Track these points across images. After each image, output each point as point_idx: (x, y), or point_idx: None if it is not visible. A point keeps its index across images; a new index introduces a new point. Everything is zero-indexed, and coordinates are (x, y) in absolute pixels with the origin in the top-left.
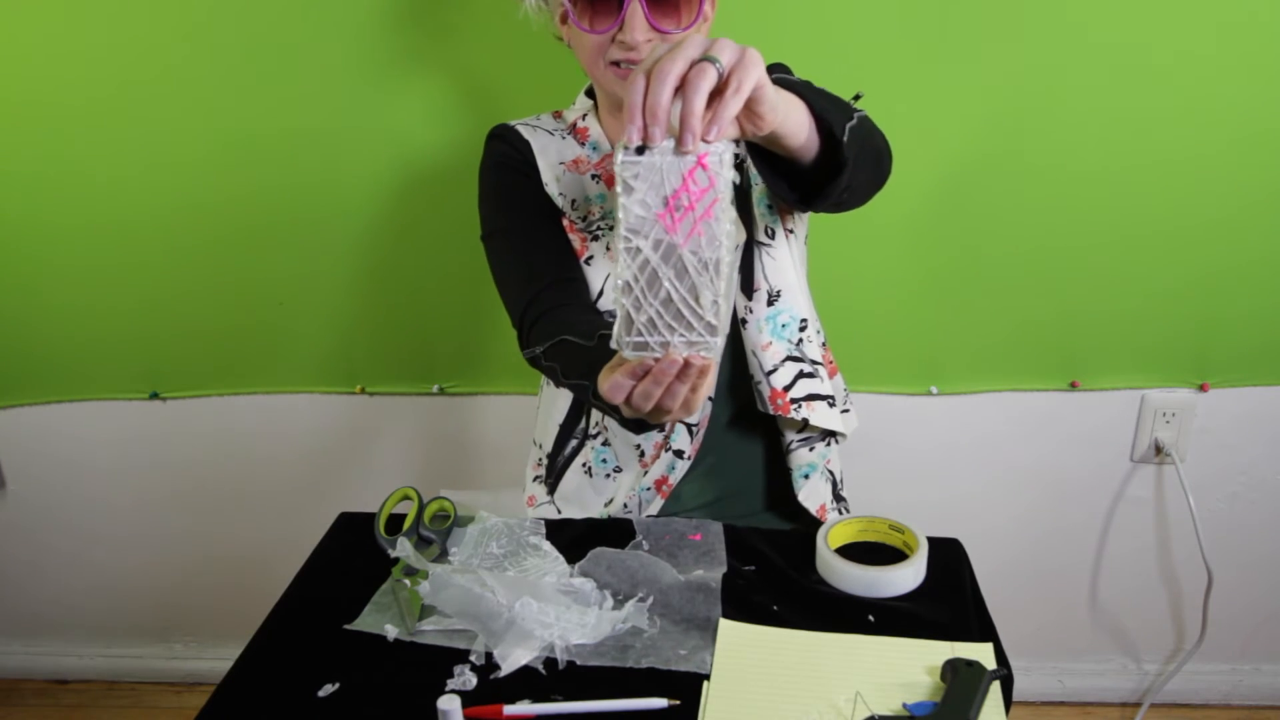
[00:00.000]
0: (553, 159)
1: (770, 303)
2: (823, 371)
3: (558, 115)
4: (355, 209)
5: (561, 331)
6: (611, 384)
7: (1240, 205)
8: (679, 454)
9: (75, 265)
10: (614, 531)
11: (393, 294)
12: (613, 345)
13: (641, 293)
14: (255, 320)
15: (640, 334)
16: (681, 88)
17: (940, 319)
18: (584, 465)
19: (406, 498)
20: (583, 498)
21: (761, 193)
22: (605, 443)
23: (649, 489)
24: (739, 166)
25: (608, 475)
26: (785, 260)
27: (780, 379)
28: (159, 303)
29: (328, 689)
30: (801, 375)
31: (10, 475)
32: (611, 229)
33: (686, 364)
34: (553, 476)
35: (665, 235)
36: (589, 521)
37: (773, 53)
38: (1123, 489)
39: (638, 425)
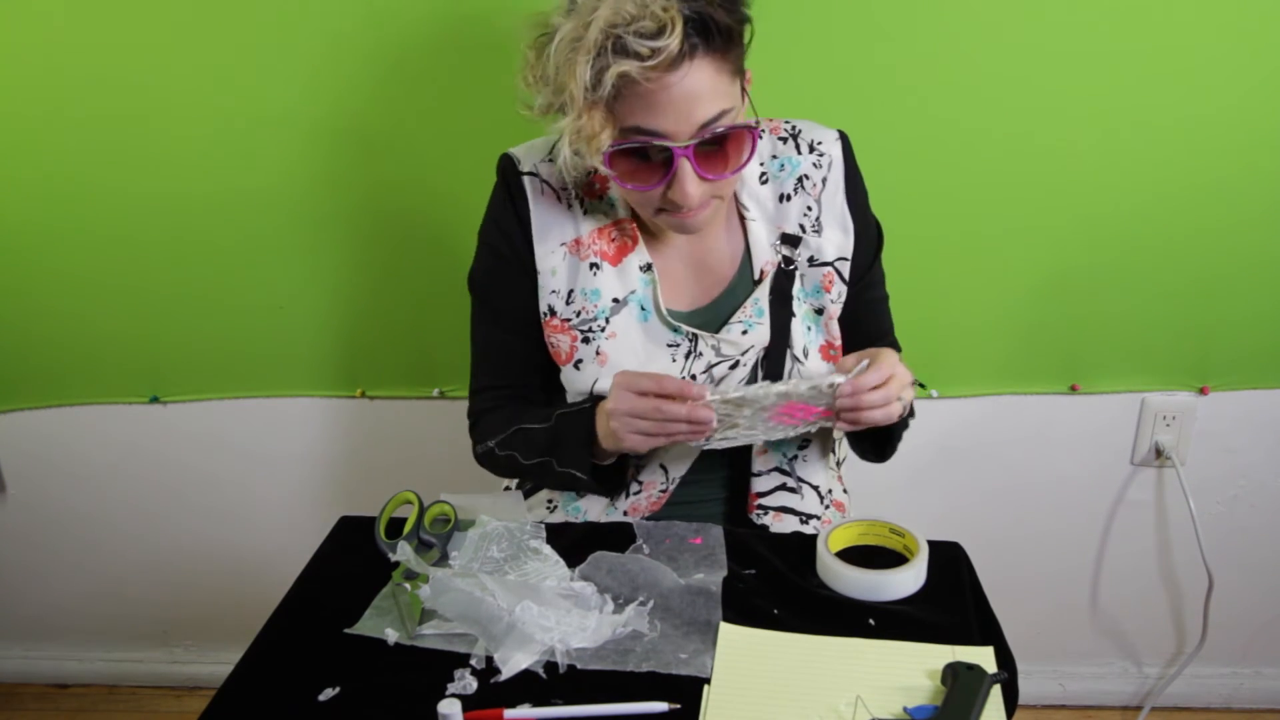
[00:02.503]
0: (553, 241)
1: None
2: (810, 493)
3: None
4: (355, 212)
5: (516, 423)
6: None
7: (1240, 208)
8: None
9: (75, 269)
10: (614, 535)
11: (393, 297)
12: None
13: (728, 413)
14: (255, 324)
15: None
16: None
17: (940, 322)
18: (549, 502)
19: (407, 502)
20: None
21: (806, 312)
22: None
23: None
24: (789, 274)
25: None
26: None
27: (762, 484)
28: (159, 306)
29: (328, 693)
30: (784, 488)
31: (10, 479)
32: (602, 330)
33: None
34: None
35: (770, 410)
36: (589, 525)
37: (776, 54)
38: (1123, 492)
39: (609, 487)
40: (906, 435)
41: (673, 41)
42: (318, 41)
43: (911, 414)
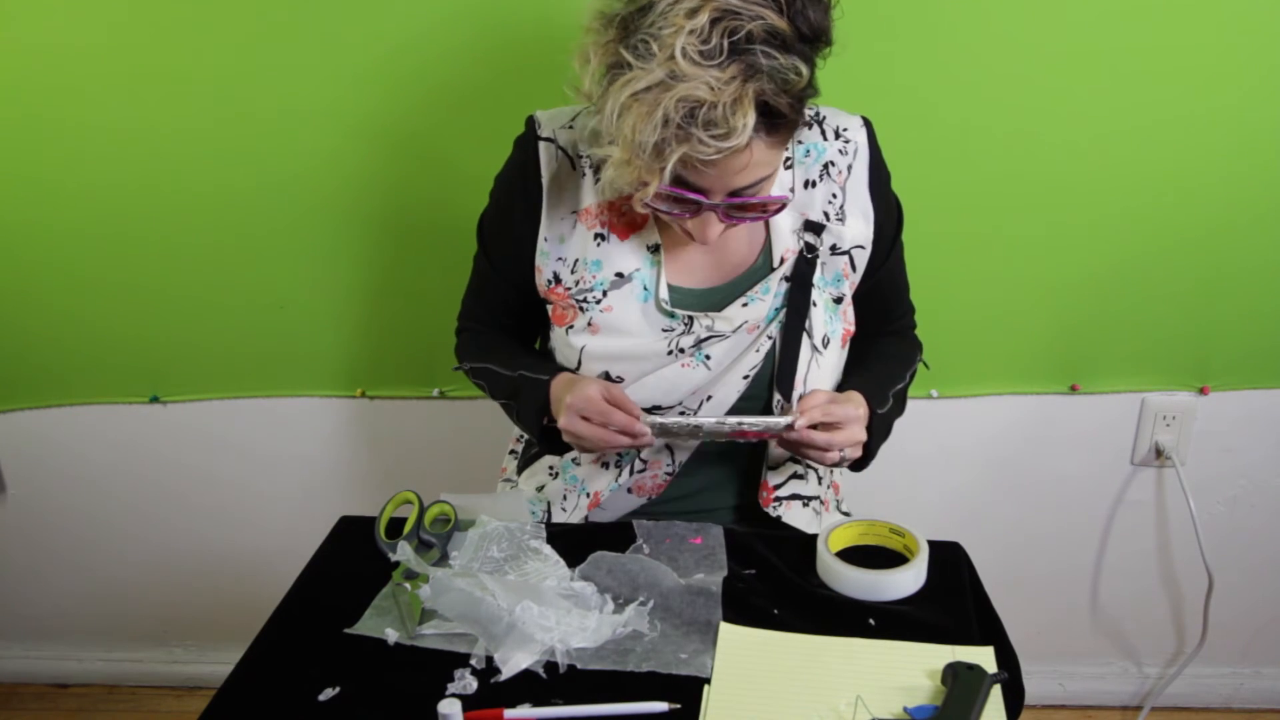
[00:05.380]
0: (564, 209)
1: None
2: (812, 475)
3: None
4: (356, 211)
5: (486, 360)
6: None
7: (1240, 208)
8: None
9: (75, 269)
10: (614, 535)
11: (394, 297)
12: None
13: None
14: (256, 323)
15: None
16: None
17: (941, 322)
18: (550, 469)
19: (407, 501)
20: (549, 489)
21: (826, 302)
22: (576, 460)
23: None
24: (810, 261)
25: (568, 492)
26: (829, 369)
27: (775, 475)
28: (159, 306)
29: (328, 693)
30: (794, 476)
31: (10, 479)
32: (598, 303)
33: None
34: (524, 460)
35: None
36: (589, 525)
37: None
38: (1123, 492)
39: (553, 446)
40: (905, 436)
41: (740, 141)
42: (319, 42)
43: (902, 408)
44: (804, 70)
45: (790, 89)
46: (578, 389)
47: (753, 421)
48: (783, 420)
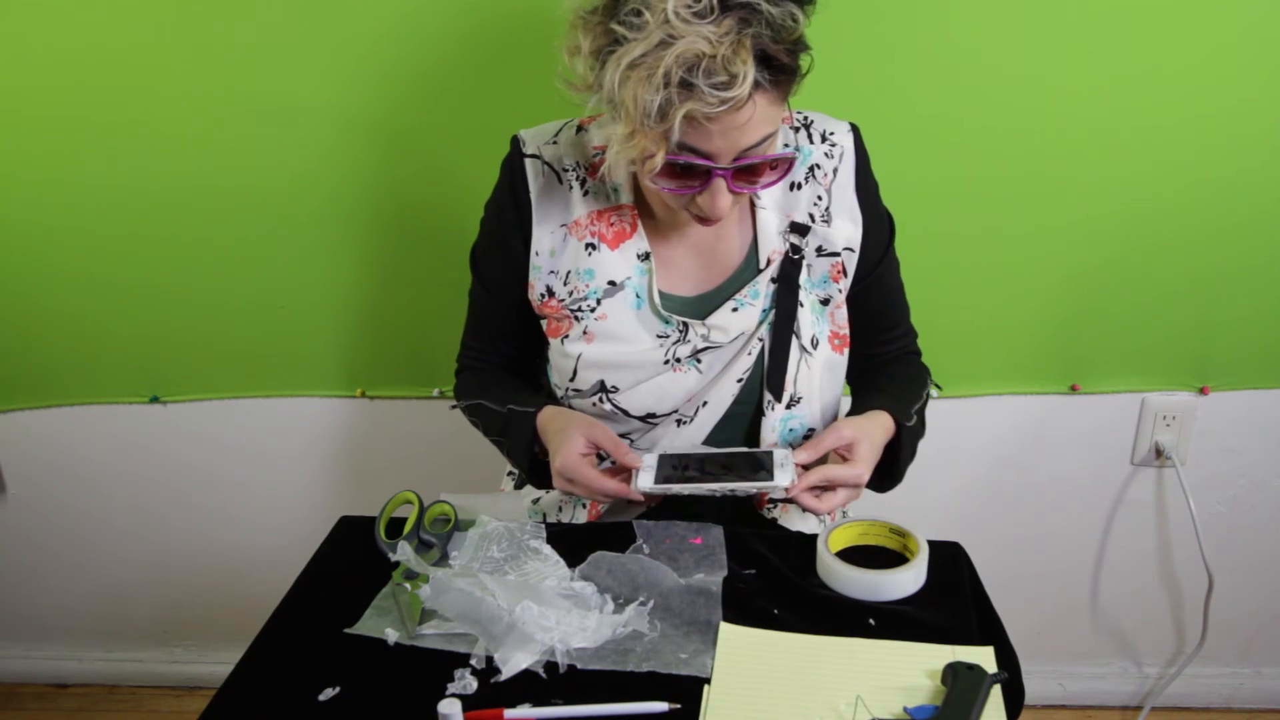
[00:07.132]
0: (552, 222)
1: (789, 406)
2: None
3: (583, 126)
4: (356, 211)
5: (479, 396)
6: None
7: (1240, 208)
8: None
9: (75, 269)
10: (614, 535)
11: (393, 297)
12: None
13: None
14: (256, 323)
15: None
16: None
17: (941, 322)
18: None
19: (407, 501)
20: (545, 500)
21: (813, 303)
22: None
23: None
24: (796, 262)
25: (563, 504)
26: (818, 370)
27: None
28: (159, 306)
29: (328, 693)
30: None
31: (10, 479)
32: (592, 310)
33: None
34: (520, 482)
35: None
36: (589, 525)
37: None
38: (1123, 492)
39: (543, 481)
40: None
41: (742, 91)
42: (319, 41)
43: (923, 427)
44: (799, 16)
45: (786, 36)
46: (564, 447)
47: (746, 488)
48: (780, 484)
